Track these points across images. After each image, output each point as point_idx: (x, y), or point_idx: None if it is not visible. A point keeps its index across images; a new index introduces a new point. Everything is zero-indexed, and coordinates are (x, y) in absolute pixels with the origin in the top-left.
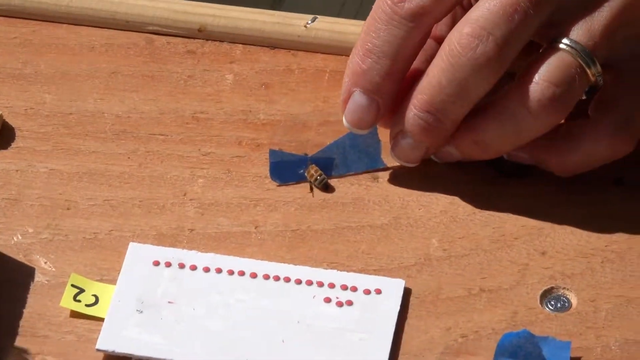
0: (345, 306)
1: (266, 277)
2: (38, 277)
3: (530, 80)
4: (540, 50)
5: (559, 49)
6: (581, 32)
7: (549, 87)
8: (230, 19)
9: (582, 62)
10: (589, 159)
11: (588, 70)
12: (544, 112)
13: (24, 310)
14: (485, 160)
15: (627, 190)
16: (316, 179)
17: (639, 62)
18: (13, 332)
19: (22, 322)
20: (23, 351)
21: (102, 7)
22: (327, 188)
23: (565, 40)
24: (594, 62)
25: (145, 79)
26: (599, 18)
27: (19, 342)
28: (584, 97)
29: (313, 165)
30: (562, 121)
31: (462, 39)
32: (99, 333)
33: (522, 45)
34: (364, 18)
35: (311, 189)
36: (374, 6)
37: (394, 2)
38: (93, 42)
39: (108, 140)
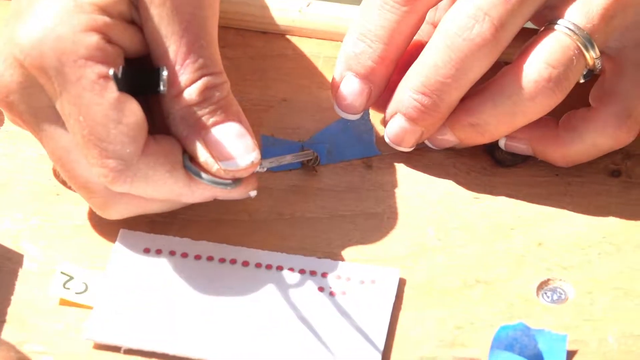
0: (339, 296)
1: (258, 265)
2: (27, 264)
3: (527, 62)
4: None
5: (557, 31)
6: (579, 14)
7: (546, 68)
8: (223, 3)
9: (580, 45)
10: (590, 149)
11: (586, 53)
12: (541, 93)
13: (12, 298)
14: (482, 150)
15: (624, 182)
16: (308, 160)
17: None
18: (0, 320)
19: (9, 310)
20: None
21: None
22: (315, 163)
23: (563, 22)
24: (592, 45)
25: None
26: (597, 2)
27: (7, 330)
28: (582, 81)
29: (305, 148)
30: (561, 112)
31: (458, 19)
32: (88, 321)
33: (519, 27)
34: (358, 2)
35: (314, 169)
36: None
37: None
38: None
39: None
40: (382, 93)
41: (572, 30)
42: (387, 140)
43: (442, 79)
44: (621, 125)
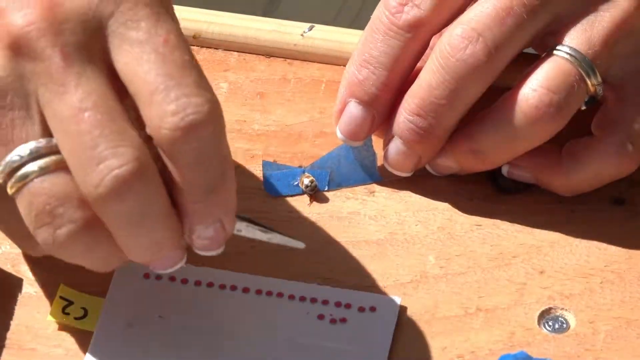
0: (339, 323)
1: (259, 292)
2: (26, 288)
3: (527, 87)
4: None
5: (558, 57)
6: (581, 40)
7: (547, 94)
8: (225, 26)
9: (581, 71)
10: (593, 178)
11: (588, 80)
12: (542, 119)
13: (11, 322)
14: (484, 177)
15: (627, 210)
16: (307, 186)
17: None
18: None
19: (9, 335)
20: None
21: None
22: (313, 190)
23: (564, 48)
24: (594, 71)
25: None
26: (599, 27)
27: (6, 355)
28: (583, 108)
29: (306, 174)
30: (564, 140)
31: (452, 40)
32: (88, 347)
33: (516, 50)
34: (360, 26)
35: (311, 200)
36: (372, 16)
37: (391, 12)
38: None
39: None
40: (385, 120)
41: (574, 56)
42: (385, 164)
43: (437, 100)
44: (624, 154)
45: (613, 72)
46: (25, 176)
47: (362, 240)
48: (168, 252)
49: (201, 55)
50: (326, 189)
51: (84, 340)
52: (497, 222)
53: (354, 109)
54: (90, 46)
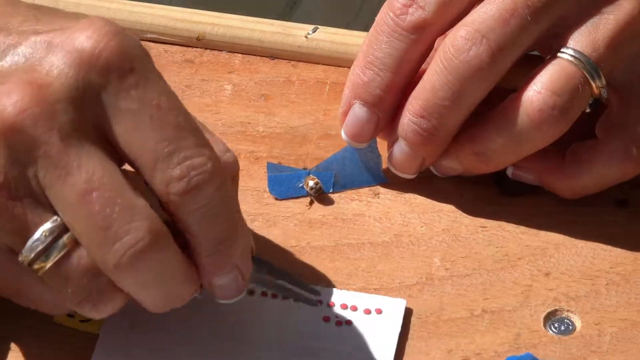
0: (344, 325)
1: (264, 294)
2: None
3: (532, 90)
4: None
5: (562, 59)
6: (585, 43)
7: (551, 97)
8: (229, 28)
9: (585, 73)
10: (597, 181)
11: (592, 82)
12: (546, 122)
13: (17, 325)
14: (489, 178)
15: (632, 212)
16: (312, 188)
17: None
18: (5, 349)
19: (15, 337)
20: None
21: (99, 13)
22: (318, 192)
23: (568, 51)
24: (598, 73)
25: None
26: (604, 30)
27: (11, 357)
28: (588, 110)
29: (311, 176)
30: (569, 143)
31: (456, 42)
32: (93, 349)
33: (519, 52)
34: (367, 29)
35: (310, 202)
36: (376, 18)
37: (396, 14)
38: None
39: None
40: (390, 122)
41: (578, 59)
42: (389, 166)
43: (440, 102)
44: (628, 157)
45: (617, 75)
46: (50, 256)
47: (367, 242)
48: (186, 301)
49: (205, 57)
50: (331, 191)
51: (89, 343)
52: (502, 223)
53: (358, 111)
54: (84, 122)
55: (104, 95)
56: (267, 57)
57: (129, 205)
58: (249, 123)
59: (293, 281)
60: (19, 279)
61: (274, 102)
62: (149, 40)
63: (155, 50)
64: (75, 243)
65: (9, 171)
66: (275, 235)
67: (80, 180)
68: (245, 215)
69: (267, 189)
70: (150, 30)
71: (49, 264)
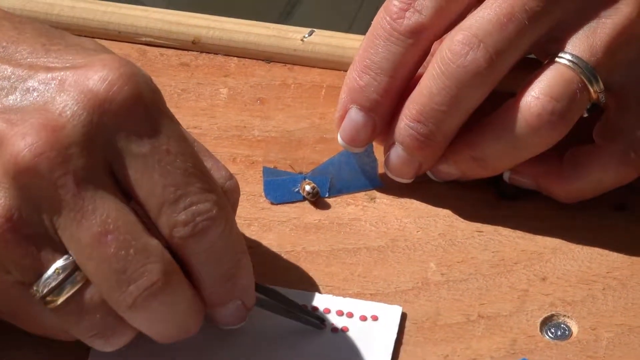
0: (340, 332)
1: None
2: None
3: (530, 95)
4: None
5: (560, 64)
6: (583, 47)
7: (549, 102)
8: (225, 31)
9: (584, 78)
10: (595, 186)
11: (590, 87)
12: (544, 127)
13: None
14: (485, 182)
15: (629, 216)
16: (309, 192)
17: None
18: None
19: (10, 331)
20: None
21: (94, 17)
22: (314, 197)
23: (566, 56)
24: (596, 78)
25: None
26: (601, 34)
27: (6, 352)
28: (585, 115)
29: (307, 180)
30: (566, 147)
31: (453, 46)
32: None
33: (517, 57)
34: (363, 32)
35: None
36: (373, 22)
37: (392, 18)
38: None
39: None
40: (386, 126)
41: (576, 64)
42: (386, 171)
43: (437, 107)
44: (626, 162)
45: (615, 79)
46: (62, 292)
47: (363, 247)
48: (195, 332)
49: (201, 60)
50: (327, 196)
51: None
52: (499, 228)
53: (355, 115)
54: (97, 164)
55: (116, 139)
56: (263, 60)
57: (143, 247)
58: (245, 127)
59: (298, 308)
60: (30, 310)
61: (270, 105)
62: (145, 44)
63: (150, 53)
64: (88, 280)
65: (24, 211)
66: (270, 240)
67: (95, 223)
68: (240, 220)
69: (263, 194)
70: (145, 33)
71: (60, 300)
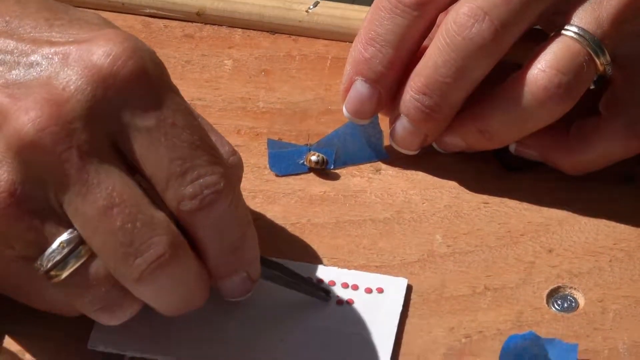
0: (345, 305)
1: None
2: None
3: (537, 68)
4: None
5: (567, 37)
6: (589, 20)
7: (556, 75)
8: (229, 3)
9: (590, 51)
10: (600, 158)
11: (597, 59)
12: (551, 100)
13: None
14: (492, 154)
15: (636, 188)
16: (316, 162)
17: None
18: (0, 330)
19: (11, 320)
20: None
21: None
22: (322, 166)
23: (572, 28)
24: (603, 50)
25: None
26: (608, 7)
27: (8, 340)
28: (592, 87)
29: (312, 152)
30: (573, 119)
31: (459, 18)
32: (91, 331)
33: (522, 30)
34: (368, 3)
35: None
36: None
37: None
38: None
39: None
40: (391, 98)
41: (582, 36)
42: (391, 142)
43: (442, 79)
44: (632, 134)
45: (621, 52)
46: (67, 266)
47: (368, 218)
48: (201, 305)
49: (205, 32)
50: (332, 167)
51: (86, 324)
52: (505, 200)
53: (360, 87)
54: (101, 139)
55: (121, 113)
56: (267, 32)
57: (149, 219)
58: (249, 99)
59: (303, 280)
60: (34, 285)
61: (275, 77)
62: (149, 16)
63: (154, 25)
64: (92, 254)
65: (27, 186)
66: (275, 212)
67: (101, 196)
68: (245, 192)
69: (268, 166)
70: (149, 5)
71: (65, 274)
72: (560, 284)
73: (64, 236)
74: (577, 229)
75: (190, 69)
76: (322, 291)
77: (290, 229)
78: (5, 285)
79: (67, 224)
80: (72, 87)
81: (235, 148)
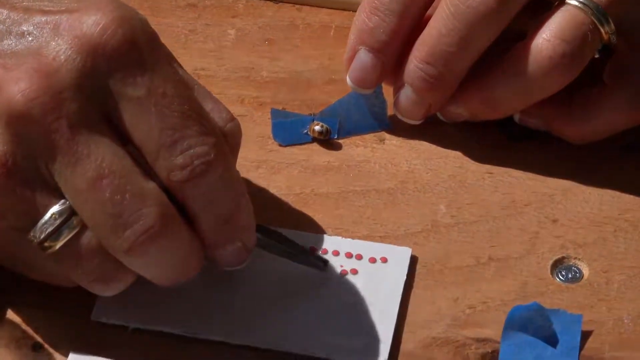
0: (349, 275)
1: None
2: None
3: (541, 38)
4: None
5: (571, 5)
6: None
7: (560, 44)
8: None
9: (594, 20)
10: (605, 127)
11: (601, 28)
12: (556, 70)
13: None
14: (496, 124)
15: None
16: (320, 132)
17: None
18: (2, 301)
19: (13, 291)
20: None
21: None
22: (326, 135)
23: None
24: (607, 19)
25: None
26: None
27: (9, 313)
28: (596, 56)
29: (316, 122)
30: (577, 88)
31: None
32: (94, 303)
33: None
34: None
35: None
36: None
37: None
38: None
39: None
40: (395, 67)
41: (586, 5)
42: (395, 112)
43: (446, 48)
44: (636, 103)
45: (626, 20)
46: (60, 237)
47: (372, 189)
48: (194, 275)
49: (208, 1)
50: (336, 137)
51: (89, 296)
52: (509, 170)
53: (364, 57)
54: (91, 109)
55: (111, 82)
56: (271, 1)
57: (139, 191)
58: (253, 68)
59: (301, 250)
60: (29, 256)
61: (278, 46)
62: None
63: None
64: (84, 225)
65: (18, 157)
66: (279, 182)
67: (90, 168)
68: (248, 162)
69: (271, 135)
70: None
71: (58, 245)
72: (564, 255)
73: (56, 207)
74: (582, 199)
75: (193, 38)
76: (320, 261)
77: (293, 199)
78: (4, 256)
79: (59, 195)
80: (62, 56)
81: (239, 118)
